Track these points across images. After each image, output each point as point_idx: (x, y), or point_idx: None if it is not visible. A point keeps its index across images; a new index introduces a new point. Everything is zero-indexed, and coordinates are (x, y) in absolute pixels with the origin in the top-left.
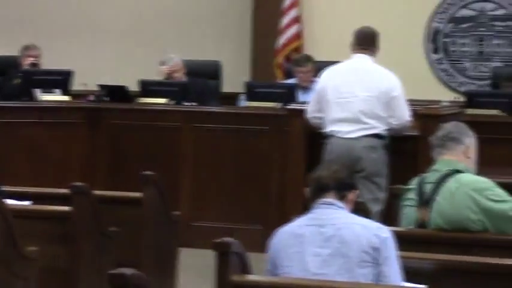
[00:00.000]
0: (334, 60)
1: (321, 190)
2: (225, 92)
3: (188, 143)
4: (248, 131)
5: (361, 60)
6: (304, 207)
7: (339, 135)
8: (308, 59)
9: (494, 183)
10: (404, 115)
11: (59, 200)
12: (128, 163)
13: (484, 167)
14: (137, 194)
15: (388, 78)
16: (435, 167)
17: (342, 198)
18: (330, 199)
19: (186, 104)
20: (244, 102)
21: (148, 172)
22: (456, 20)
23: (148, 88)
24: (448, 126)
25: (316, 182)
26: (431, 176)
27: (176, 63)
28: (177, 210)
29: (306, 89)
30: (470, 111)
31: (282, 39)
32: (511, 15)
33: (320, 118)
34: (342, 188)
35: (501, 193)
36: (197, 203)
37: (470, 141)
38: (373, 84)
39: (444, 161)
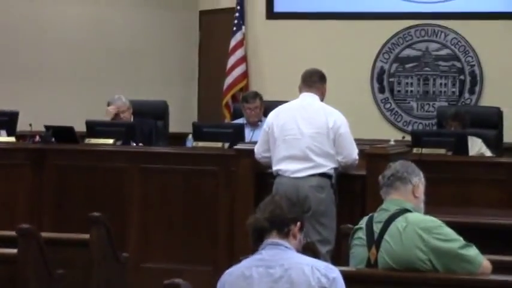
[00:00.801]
0: (281, 100)
1: (260, 234)
2: (172, 133)
3: (135, 184)
4: (196, 172)
5: (308, 98)
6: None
7: (286, 174)
8: (256, 95)
9: (442, 222)
10: (351, 153)
11: (5, 243)
12: (75, 204)
13: (431, 206)
14: (84, 236)
15: (334, 115)
16: (384, 206)
17: (286, 235)
18: (275, 239)
19: (133, 144)
20: (192, 143)
21: (95, 213)
22: (401, 60)
23: (95, 129)
24: (395, 166)
25: (254, 227)
26: (380, 215)
27: (123, 104)
28: (125, 252)
29: (255, 125)
30: (416, 150)
31: (229, 80)
32: (455, 55)
33: (269, 158)
34: (282, 225)
35: (449, 232)
36: (145, 245)
37: (418, 180)
38: (320, 122)
39: (392, 200)
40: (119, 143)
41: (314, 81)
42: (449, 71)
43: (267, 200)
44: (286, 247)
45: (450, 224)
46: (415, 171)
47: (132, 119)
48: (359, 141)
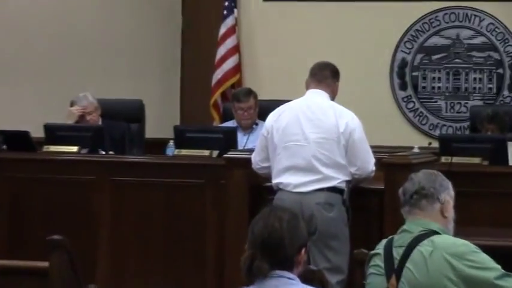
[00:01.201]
0: (280, 99)
1: (258, 275)
2: (149, 138)
3: (105, 199)
4: (178, 186)
5: (315, 96)
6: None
7: (288, 188)
8: (250, 92)
9: (476, 247)
10: (367, 164)
11: None
12: (31, 225)
13: (462, 226)
14: (43, 263)
15: (346, 117)
16: (405, 227)
17: (290, 268)
18: (275, 271)
19: (102, 152)
20: (173, 151)
21: (56, 236)
22: (426, 50)
23: (56, 134)
24: (419, 178)
25: (250, 265)
26: (401, 239)
27: (89, 103)
28: (93, 283)
29: (249, 129)
30: (445, 159)
31: (218, 74)
32: (492, 44)
33: (269, 168)
34: (285, 262)
35: (485, 258)
36: (118, 274)
37: (447, 195)
38: (329, 124)
39: (416, 220)
40: (84, 150)
41: (325, 76)
42: (484, 63)
43: (263, 221)
44: (289, 278)
45: (486, 249)
46: (443, 184)
47: (100, 122)
48: (376, 149)
